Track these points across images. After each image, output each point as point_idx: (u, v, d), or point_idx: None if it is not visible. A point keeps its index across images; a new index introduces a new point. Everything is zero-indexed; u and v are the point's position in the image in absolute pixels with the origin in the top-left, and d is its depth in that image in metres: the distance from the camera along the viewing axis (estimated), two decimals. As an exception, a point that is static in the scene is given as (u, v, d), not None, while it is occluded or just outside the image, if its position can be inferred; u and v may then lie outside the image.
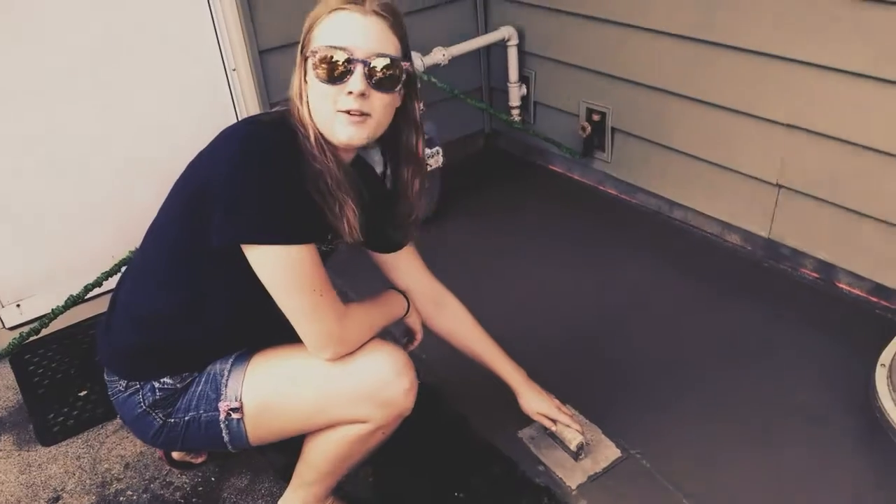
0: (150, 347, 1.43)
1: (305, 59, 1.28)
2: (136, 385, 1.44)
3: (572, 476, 1.77)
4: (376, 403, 1.38)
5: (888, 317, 2.18)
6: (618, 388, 2.03)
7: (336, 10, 1.25)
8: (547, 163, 3.21)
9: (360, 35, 1.24)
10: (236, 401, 1.40)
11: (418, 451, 1.88)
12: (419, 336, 1.66)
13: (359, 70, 1.24)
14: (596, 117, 2.79)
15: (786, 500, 1.68)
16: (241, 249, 1.27)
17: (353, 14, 1.24)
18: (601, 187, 3.00)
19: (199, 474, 1.87)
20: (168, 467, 1.88)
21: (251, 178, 1.22)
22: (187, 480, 1.85)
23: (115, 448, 1.96)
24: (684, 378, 2.04)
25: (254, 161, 1.23)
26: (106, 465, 1.91)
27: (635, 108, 2.64)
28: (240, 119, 1.42)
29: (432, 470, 1.84)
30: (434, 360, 2.06)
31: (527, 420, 1.82)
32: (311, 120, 1.29)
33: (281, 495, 1.66)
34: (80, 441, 1.99)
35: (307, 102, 1.29)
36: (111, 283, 2.18)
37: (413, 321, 1.63)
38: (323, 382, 1.38)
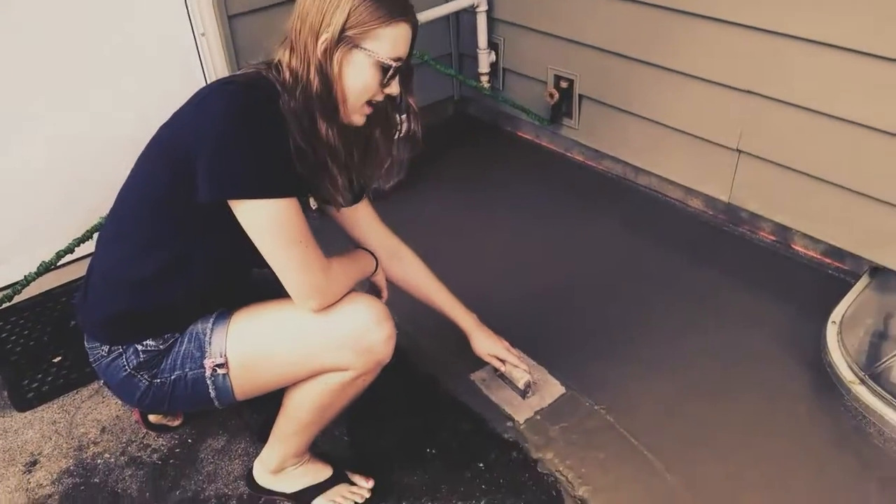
0: (131, 311, 1.46)
1: (345, 43, 1.33)
2: (118, 349, 1.47)
3: (520, 412, 1.89)
4: (358, 350, 1.43)
5: (840, 277, 2.28)
6: (579, 341, 2.12)
7: (400, 20, 1.35)
8: (516, 129, 3.25)
9: (408, 47, 1.40)
10: (221, 356, 1.44)
11: (391, 411, 1.95)
12: (385, 293, 1.71)
13: (398, 77, 1.39)
14: (564, 84, 2.83)
15: (744, 446, 1.78)
16: (226, 206, 1.31)
17: (409, 30, 1.38)
18: (569, 154, 3.05)
19: (176, 437, 1.91)
20: (145, 430, 1.91)
21: (237, 135, 1.27)
22: (164, 443, 1.89)
23: (90, 413, 1.98)
24: (645, 333, 2.13)
25: (239, 118, 1.28)
26: (82, 430, 1.93)
27: (602, 75, 2.69)
28: (211, 81, 1.45)
29: (404, 428, 1.90)
30: (403, 323, 2.11)
31: (478, 364, 1.93)
32: (329, 93, 1.36)
33: (257, 455, 1.71)
34: (55, 406, 2.01)
35: (332, 78, 1.35)
36: (84, 249, 2.19)
37: (379, 279, 1.68)
38: (306, 332, 1.43)
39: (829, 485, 1.69)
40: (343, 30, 1.32)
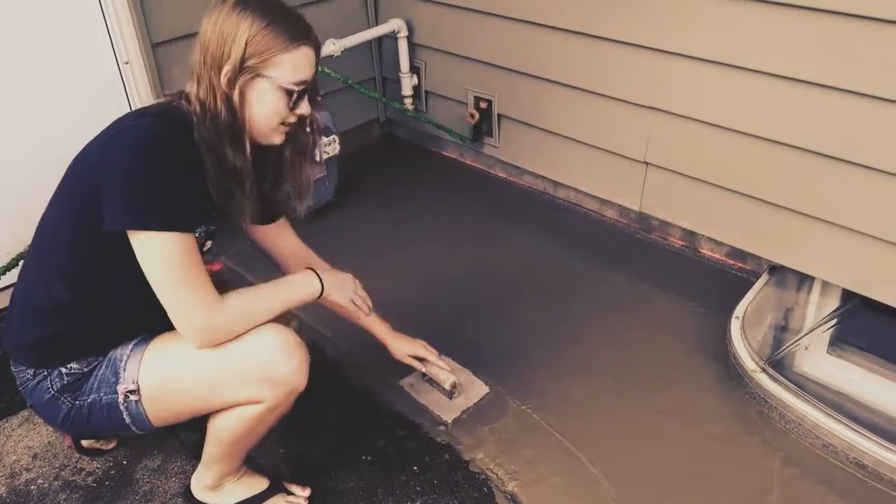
0: (55, 336, 1.48)
1: (247, 72, 1.38)
2: (43, 372, 1.48)
3: (448, 412, 1.98)
4: (268, 384, 1.45)
5: (743, 276, 2.45)
6: (511, 351, 2.21)
7: (299, 45, 1.40)
8: (440, 149, 3.36)
9: (312, 68, 1.44)
10: (133, 383, 1.46)
11: (327, 423, 2.00)
12: (352, 306, 1.65)
13: (306, 97, 1.45)
14: (483, 105, 2.96)
15: (660, 435, 1.91)
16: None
17: (310, 52, 1.43)
18: (491, 171, 3.18)
19: (111, 459, 1.91)
20: (78, 455, 1.91)
21: (141, 166, 1.32)
22: (99, 465, 1.89)
23: (21, 440, 1.96)
24: (566, 337, 2.26)
25: (145, 149, 1.33)
26: (14, 457, 1.92)
27: (518, 95, 2.83)
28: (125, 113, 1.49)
29: (341, 438, 1.96)
30: (340, 338, 2.19)
31: (407, 371, 2.02)
32: (237, 121, 1.41)
33: (194, 472, 1.74)
34: (-17, 437, 1.99)
35: (238, 106, 1.40)
36: (8, 278, 2.17)
37: (338, 298, 1.60)
38: (214, 365, 1.44)
39: (737, 464, 1.83)
40: (243, 60, 1.37)
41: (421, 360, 1.98)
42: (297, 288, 1.56)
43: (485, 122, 2.99)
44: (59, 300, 1.45)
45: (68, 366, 1.47)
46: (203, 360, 1.44)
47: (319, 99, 1.55)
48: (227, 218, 1.57)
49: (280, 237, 1.78)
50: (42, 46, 2.29)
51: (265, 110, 1.42)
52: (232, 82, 1.39)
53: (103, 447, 1.92)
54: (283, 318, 1.57)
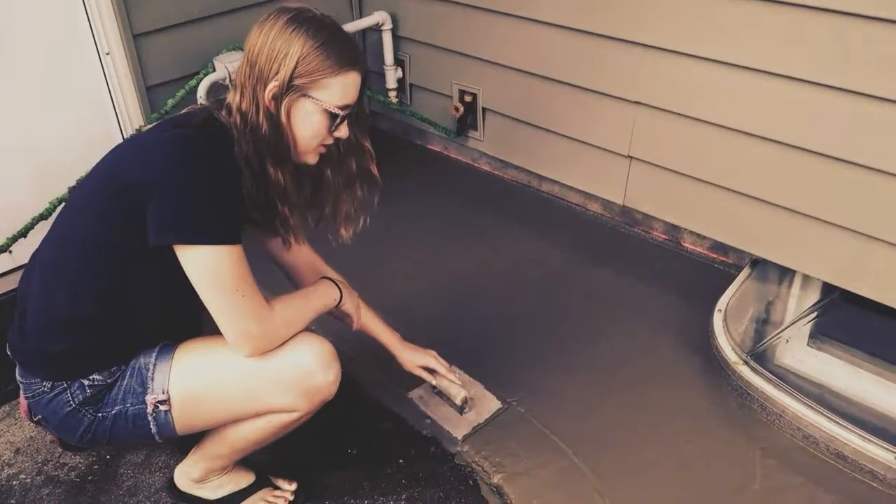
0: (78, 349, 1.43)
1: (294, 91, 1.37)
2: (62, 384, 1.43)
3: (458, 428, 1.93)
4: (303, 393, 1.46)
5: (725, 270, 2.48)
6: (496, 347, 2.22)
7: (349, 70, 1.40)
8: (425, 142, 3.36)
9: (357, 93, 1.44)
10: (163, 393, 1.43)
11: (311, 417, 1.99)
12: (354, 319, 1.73)
13: (347, 121, 1.44)
14: (468, 98, 2.96)
15: (643, 428, 1.93)
16: (173, 249, 1.33)
17: (358, 78, 1.42)
18: (476, 164, 3.18)
19: (94, 454, 1.89)
20: (61, 450, 1.89)
21: (188, 179, 1.30)
22: (82, 460, 1.88)
23: (3, 435, 1.95)
24: (551, 331, 2.27)
25: (190, 162, 1.31)
26: (-6, 453, 1.90)
27: (503, 89, 2.83)
28: (160, 122, 1.47)
29: (325, 431, 1.95)
30: (326, 333, 2.17)
31: (416, 382, 1.98)
32: (279, 137, 1.40)
33: (177, 465, 1.73)
34: (-36, 432, 1.96)
35: (280, 123, 1.39)
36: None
37: (348, 307, 1.69)
38: (251, 374, 1.43)
39: (719, 455, 1.85)
40: (291, 78, 1.36)
41: (431, 371, 1.93)
42: (323, 296, 1.61)
43: (469, 116, 2.99)
44: (85, 314, 1.41)
45: (91, 377, 1.43)
46: (240, 368, 1.43)
47: (368, 124, 1.56)
48: (264, 231, 1.56)
49: (301, 252, 1.76)
50: (19, 37, 2.25)
51: (307, 131, 1.42)
52: (277, 98, 1.37)
53: (87, 442, 1.91)
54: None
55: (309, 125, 1.41)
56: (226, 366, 1.44)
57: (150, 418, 1.45)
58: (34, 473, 1.84)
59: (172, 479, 1.74)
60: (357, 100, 1.45)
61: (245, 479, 1.75)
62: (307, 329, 1.50)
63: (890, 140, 1.90)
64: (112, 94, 2.48)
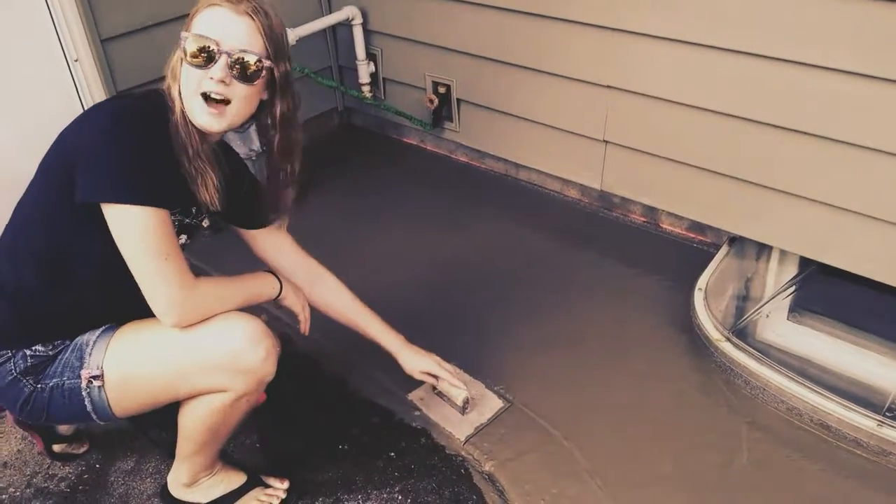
0: (21, 317, 1.47)
1: (179, 47, 1.38)
2: (7, 353, 1.47)
3: (460, 429, 1.92)
4: (233, 372, 1.45)
5: (704, 249, 2.51)
6: (472, 326, 2.24)
7: (214, 5, 1.37)
8: (401, 136, 3.35)
9: (229, 30, 1.37)
10: (97, 369, 1.45)
11: (300, 414, 2.00)
12: (301, 316, 1.71)
13: (223, 60, 1.36)
14: (442, 90, 2.95)
15: (631, 408, 1.95)
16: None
17: (227, 11, 1.37)
18: (453, 156, 3.19)
19: (83, 463, 1.88)
20: (50, 461, 1.88)
21: (114, 141, 1.32)
22: (71, 470, 1.86)
23: (-11, 450, 1.93)
24: (534, 314, 2.29)
25: (119, 126, 1.33)
26: (-18, 468, 1.88)
27: (476, 79, 2.83)
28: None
29: (315, 428, 1.96)
30: (312, 329, 2.17)
31: (415, 384, 1.98)
32: (180, 97, 1.39)
33: (169, 471, 1.73)
34: (-51, 449, 1.94)
35: (179, 80, 1.39)
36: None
37: (290, 302, 1.67)
38: (180, 353, 1.44)
39: (706, 431, 1.88)
40: (185, 30, 1.38)
41: (434, 375, 1.91)
42: (261, 285, 1.61)
43: (444, 108, 2.99)
44: (27, 279, 1.45)
45: (33, 348, 1.46)
46: (170, 345, 1.44)
47: (294, 99, 1.54)
48: (194, 203, 1.52)
49: (283, 251, 1.77)
50: (-13, 47, 2.23)
51: (184, 73, 1.38)
52: (181, 53, 1.38)
53: (75, 451, 1.90)
54: (253, 313, 1.57)
55: (183, 70, 1.38)
56: (158, 344, 1.45)
57: (84, 394, 1.46)
58: (23, 486, 1.83)
59: (165, 486, 1.74)
60: (244, 51, 1.37)
61: (236, 479, 1.75)
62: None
63: (855, 112, 1.93)
64: (83, 101, 2.46)
